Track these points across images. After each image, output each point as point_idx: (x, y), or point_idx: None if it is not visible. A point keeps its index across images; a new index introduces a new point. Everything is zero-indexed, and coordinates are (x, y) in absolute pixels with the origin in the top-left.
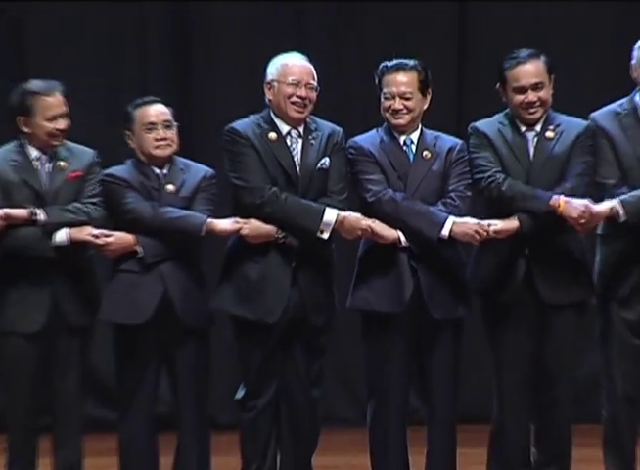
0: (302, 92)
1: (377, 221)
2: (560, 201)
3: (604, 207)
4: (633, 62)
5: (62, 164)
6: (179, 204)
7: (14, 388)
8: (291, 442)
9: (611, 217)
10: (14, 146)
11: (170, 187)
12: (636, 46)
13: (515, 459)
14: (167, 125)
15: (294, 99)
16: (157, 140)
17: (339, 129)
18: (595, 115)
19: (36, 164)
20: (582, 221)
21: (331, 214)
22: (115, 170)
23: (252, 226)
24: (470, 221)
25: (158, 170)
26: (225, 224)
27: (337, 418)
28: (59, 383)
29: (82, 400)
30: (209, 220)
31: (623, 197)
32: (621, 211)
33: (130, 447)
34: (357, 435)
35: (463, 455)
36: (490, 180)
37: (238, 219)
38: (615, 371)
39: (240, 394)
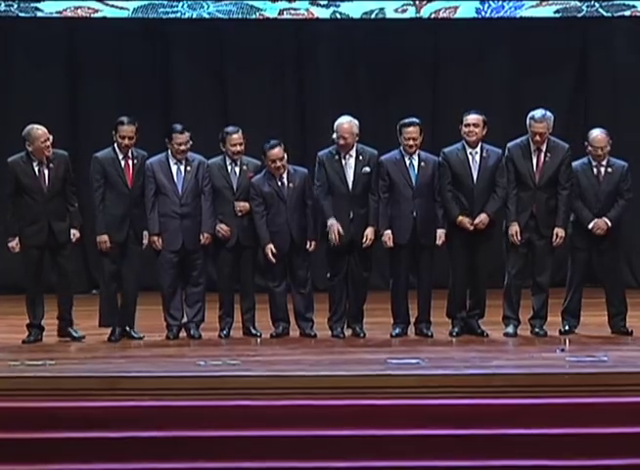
0: (342, 141)
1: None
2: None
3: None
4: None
5: (244, 168)
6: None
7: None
8: (353, 296)
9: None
10: (221, 159)
11: (291, 185)
12: (528, 116)
13: (459, 304)
14: (281, 158)
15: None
16: (277, 169)
17: (376, 152)
18: (509, 145)
19: (229, 167)
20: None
21: None
22: (256, 179)
23: None
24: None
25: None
26: None
27: (374, 286)
28: None
29: None
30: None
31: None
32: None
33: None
34: (383, 294)
35: (433, 302)
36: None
37: None
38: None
39: (328, 274)
